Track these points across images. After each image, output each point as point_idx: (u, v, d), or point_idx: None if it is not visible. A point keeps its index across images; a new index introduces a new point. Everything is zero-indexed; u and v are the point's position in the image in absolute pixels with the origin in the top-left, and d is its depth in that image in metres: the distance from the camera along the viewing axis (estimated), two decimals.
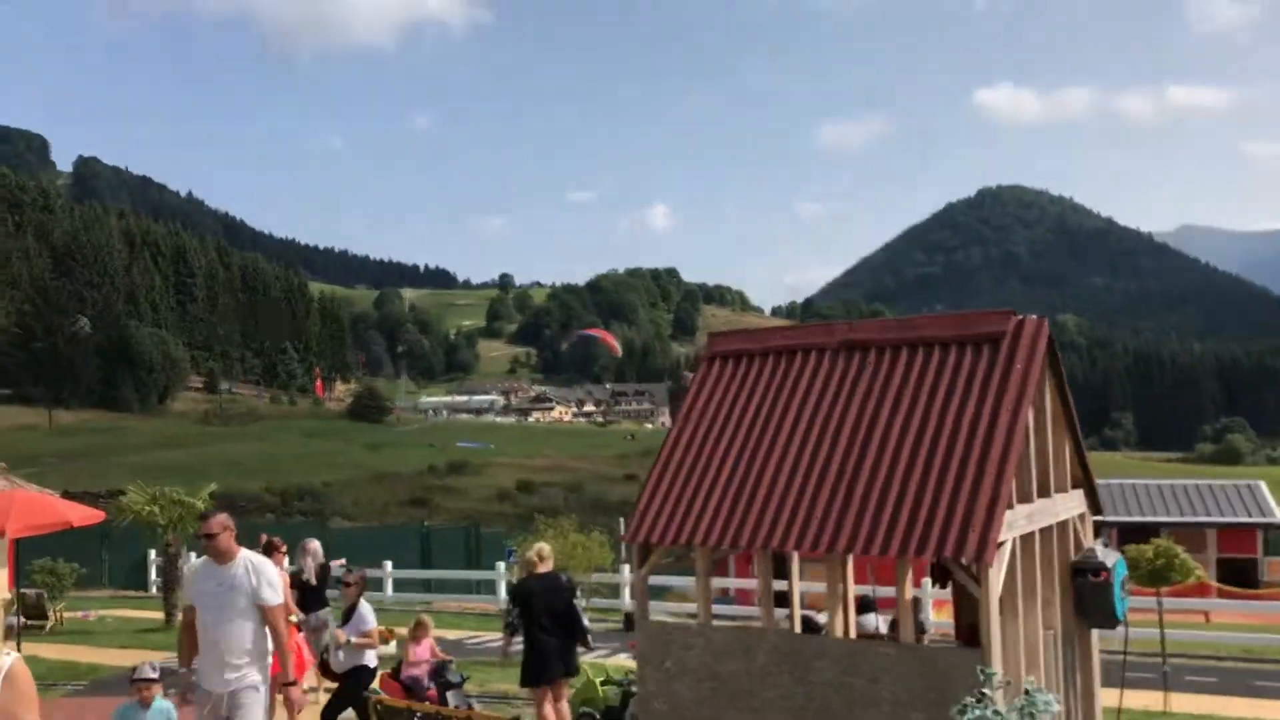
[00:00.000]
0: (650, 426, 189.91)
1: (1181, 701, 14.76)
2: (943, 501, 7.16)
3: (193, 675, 6.81)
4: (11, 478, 20.62)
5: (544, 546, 10.45)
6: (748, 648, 7.78)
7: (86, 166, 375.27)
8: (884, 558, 7.24)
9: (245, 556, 6.85)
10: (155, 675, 7.02)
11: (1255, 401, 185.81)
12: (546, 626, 9.93)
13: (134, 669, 6.97)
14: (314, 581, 14.22)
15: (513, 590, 10.48)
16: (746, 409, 8.59)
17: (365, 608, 10.79)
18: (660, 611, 23.82)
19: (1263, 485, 35.84)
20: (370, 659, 10.56)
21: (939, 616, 18.74)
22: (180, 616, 7.31)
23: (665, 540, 8.04)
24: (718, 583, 30.44)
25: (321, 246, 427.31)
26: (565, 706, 10.07)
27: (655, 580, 23.84)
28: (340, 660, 10.54)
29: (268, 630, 6.86)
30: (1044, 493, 8.07)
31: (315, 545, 14.76)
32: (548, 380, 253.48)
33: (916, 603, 14.45)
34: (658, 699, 8.10)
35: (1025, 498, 7.68)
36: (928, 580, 20.49)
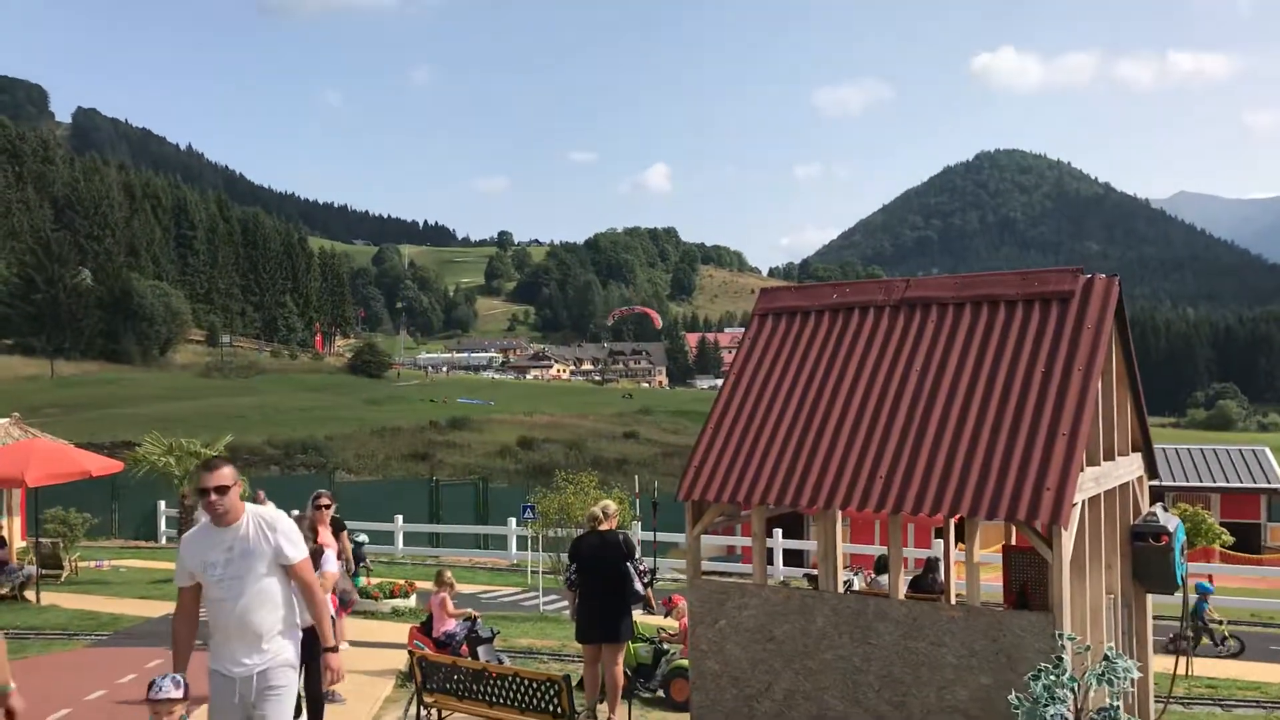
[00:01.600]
0: (647, 385, 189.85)
1: (1204, 666, 14.79)
2: (1014, 463, 7.01)
3: (191, 700, 5.53)
4: (26, 427, 20.46)
5: (610, 504, 10.21)
6: (806, 608, 7.67)
7: (86, 118, 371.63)
8: (951, 518, 7.10)
9: (251, 513, 5.77)
10: (179, 693, 5.41)
11: (1248, 368, 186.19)
12: (596, 585, 9.76)
13: (151, 685, 5.46)
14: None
15: (571, 547, 10.29)
16: (802, 367, 8.43)
17: (329, 552, 10.15)
18: (666, 569, 23.89)
19: (1268, 451, 35.91)
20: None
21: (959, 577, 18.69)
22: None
23: (722, 498, 7.90)
24: (726, 540, 30.49)
25: (321, 201, 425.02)
26: (618, 671, 9.87)
27: (662, 537, 23.88)
28: None
29: (294, 593, 5.84)
30: (1109, 456, 7.94)
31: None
32: (545, 338, 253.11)
33: (933, 563, 14.43)
34: (710, 658, 8.01)
35: (1092, 460, 7.55)
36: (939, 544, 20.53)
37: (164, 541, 29.31)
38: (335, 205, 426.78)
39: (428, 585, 14.15)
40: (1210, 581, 24.30)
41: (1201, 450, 36.67)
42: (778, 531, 23.49)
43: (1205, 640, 16.35)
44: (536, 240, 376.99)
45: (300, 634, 5.92)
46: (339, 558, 14.32)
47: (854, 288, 8.98)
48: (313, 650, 7.58)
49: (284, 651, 5.74)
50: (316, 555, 8.05)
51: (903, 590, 9.70)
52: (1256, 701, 13.14)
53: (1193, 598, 16.94)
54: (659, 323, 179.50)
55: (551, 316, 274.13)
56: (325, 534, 11.11)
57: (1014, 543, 8.77)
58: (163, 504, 29.86)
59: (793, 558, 24.91)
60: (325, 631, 5.92)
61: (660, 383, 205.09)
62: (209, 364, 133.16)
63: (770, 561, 23.30)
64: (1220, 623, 16.48)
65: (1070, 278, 7.86)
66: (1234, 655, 15.82)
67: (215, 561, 5.67)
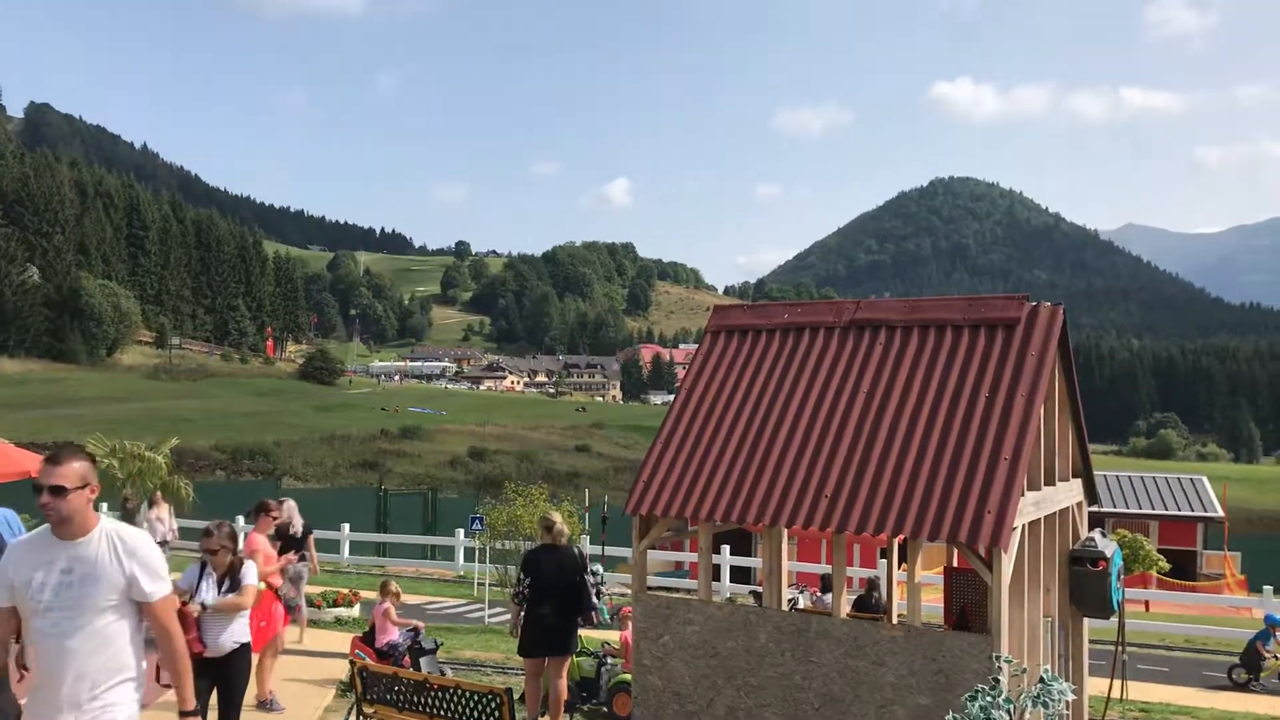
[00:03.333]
0: (601, 399, 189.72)
1: (1137, 690, 15.01)
2: (956, 485, 7.12)
3: None
4: None
5: (559, 517, 10.21)
6: (749, 625, 7.72)
7: (38, 113, 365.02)
8: (895, 538, 7.19)
9: (106, 529, 4.41)
10: None
11: (1189, 399, 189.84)
12: (551, 599, 9.72)
13: None
14: (300, 533, 14.37)
15: (523, 560, 10.23)
16: (753, 385, 8.51)
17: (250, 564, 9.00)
18: (615, 583, 23.88)
19: (1206, 480, 36.53)
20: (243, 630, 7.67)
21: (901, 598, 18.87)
22: None
23: (670, 513, 7.94)
24: (674, 556, 30.51)
25: (278, 205, 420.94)
26: (563, 684, 9.86)
27: (610, 551, 23.88)
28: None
29: (144, 638, 4.52)
30: (1049, 481, 8.08)
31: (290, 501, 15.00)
32: (500, 349, 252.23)
33: (875, 582, 14.58)
34: (653, 672, 8.03)
35: (1033, 485, 7.68)
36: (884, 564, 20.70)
37: None
38: (292, 210, 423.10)
39: (372, 595, 14.06)
40: (1147, 608, 24.79)
41: (1142, 478, 37.28)
42: (725, 548, 23.56)
43: (1263, 674, 16.35)
44: (494, 251, 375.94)
45: (143, 686, 4.57)
46: (301, 562, 14.38)
47: (805, 308, 9.07)
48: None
49: (117, 709, 4.34)
50: (237, 568, 7.49)
51: (846, 609, 9.79)
52: None
53: (1251, 632, 16.94)
54: (666, 356, 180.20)
55: (507, 328, 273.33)
56: (256, 541, 10.99)
57: (955, 564, 8.89)
58: (105, 506, 29.36)
59: (740, 574, 24.99)
60: (184, 694, 4.66)
61: (614, 397, 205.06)
62: (157, 366, 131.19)
63: (717, 578, 23.37)
64: (1273, 655, 16.49)
65: (1016, 305, 8.01)
66: None
67: (45, 584, 4.34)
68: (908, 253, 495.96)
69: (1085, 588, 8.20)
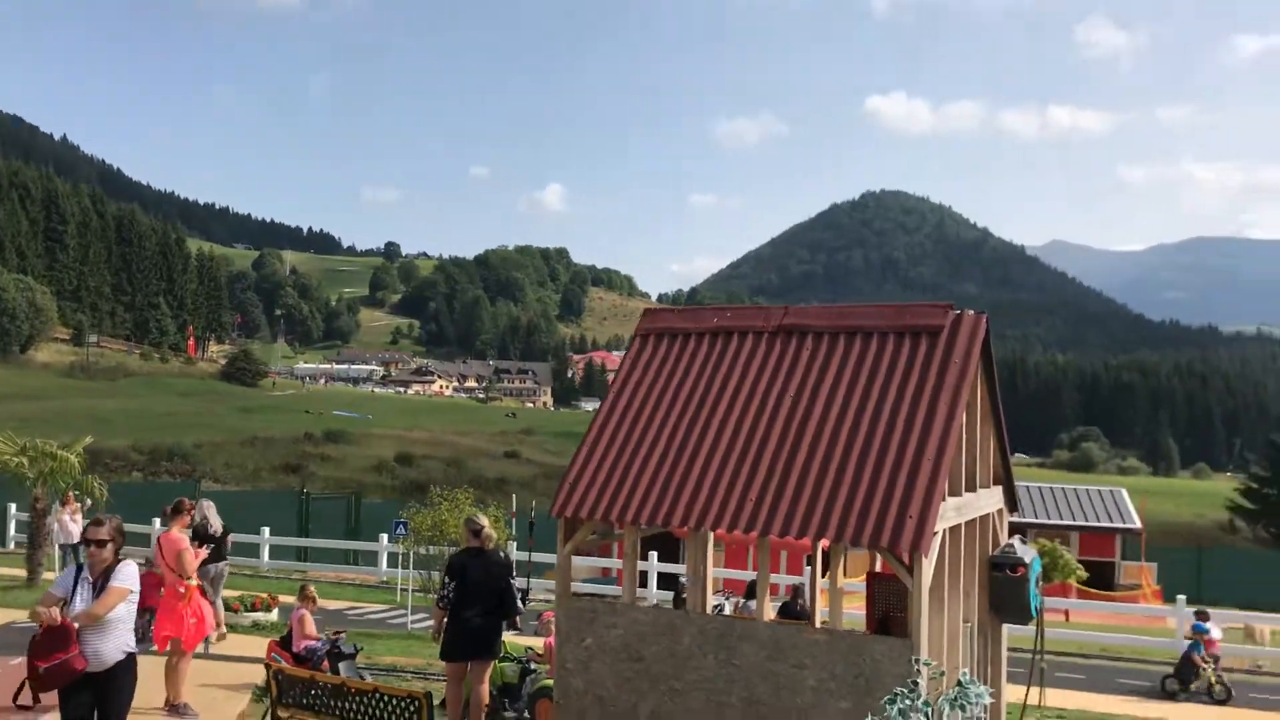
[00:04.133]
0: (532, 405, 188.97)
1: (1055, 698, 15.27)
2: (879, 490, 7.17)
3: None
4: None
5: (486, 521, 10.11)
6: (674, 629, 7.69)
7: None
8: (818, 542, 7.21)
9: None
10: None
11: (1110, 413, 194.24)
12: (476, 603, 9.61)
13: None
14: (218, 533, 14.16)
15: (448, 564, 10.09)
16: (680, 388, 8.49)
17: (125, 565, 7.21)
18: (540, 589, 23.73)
19: (1125, 493, 37.39)
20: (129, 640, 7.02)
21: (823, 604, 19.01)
22: None
23: (595, 516, 7.88)
24: (601, 562, 30.43)
25: (202, 202, 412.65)
26: (485, 689, 9.75)
27: (537, 557, 23.73)
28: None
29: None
30: (971, 487, 8.17)
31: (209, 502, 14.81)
32: (429, 353, 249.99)
33: (799, 589, 14.66)
34: (576, 676, 7.95)
35: (955, 491, 7.76)
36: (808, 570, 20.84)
37: (12, 546, 27.91)
38: (216, 207, 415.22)
39: (292, 599, 13.80)
40: (1067, 617, 25.26)
41: (1064, 489, 38.03)
42: (653, 554, 23.53)
43: (1194, 684, 16.70)
44: (425, 253, 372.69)
45: None
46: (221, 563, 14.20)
47: (735, 313, 9.08)
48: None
49: None
50: (112, 569, 6.85)
51: (771, 615, 9.81)
52: None
53: (1187, 642, 17.12)
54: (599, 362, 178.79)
55: (437, 331, 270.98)
56: (178, 539, 10.73)
57: (879, 570, 8.94)
58: (13, 507, 28.46)
59: (668, 581, 24.97)
60: None
61: (545, 404, 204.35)
62: (74, 364, 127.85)
63: (644, 584, 23.33)
64: (1206, 667, 16.83)
65: (940, 313, 8.09)
66: (1222, 702, 16.20)
67: None
68: (839, 264, 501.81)
69: (1004, 593, 8.30)
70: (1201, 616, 17.98)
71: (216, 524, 14.28)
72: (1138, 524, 34.99)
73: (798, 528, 7.20)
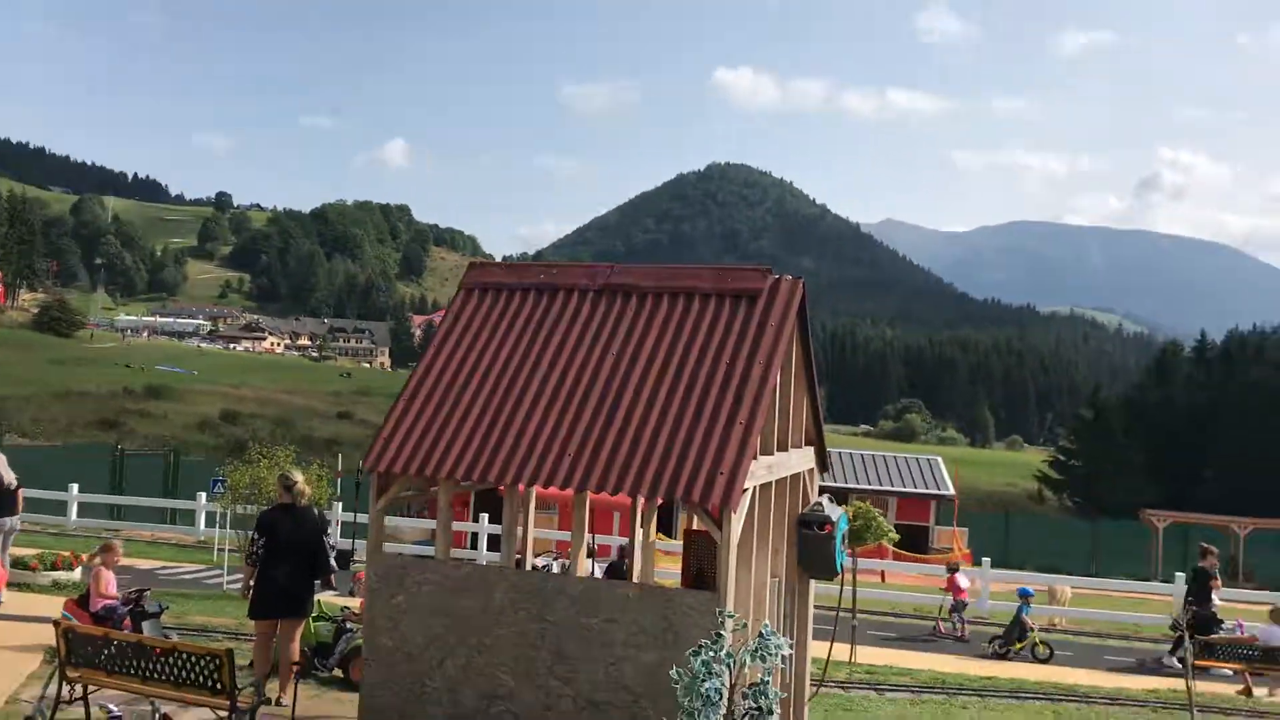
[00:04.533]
0: (368, 366, 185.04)
1: (865, 654, 15.93)
2: (693, 447, 7.27)
3: None
4: None
5: (300, 477, 9.85)
6: (486, 584, 7.65)
7: None
8: (632, 498, 7.28)
9: None
10: None
11: (933, 386, 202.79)
12: (287, 560, 9.38)
13: None
14: (13, 485, 13.39)
15: (258, 520, 9.79)
16: (503, 344, 8.41)
17: None
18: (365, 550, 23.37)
19: (940, 461, 39.16)
20: None
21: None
22: None
23: (409, 470, 7.75)
24: (430, 524, 30.12)
25: (15, 140, 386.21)
26: (295, 648, 9.54)
27: (363, 518, 23.31)
28: None
29: None
30: (783, 447, 8.38)
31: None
32: (261, 309, 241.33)
33: (626, 549, 14.83)
34: (385, 634, 7.83)
35: (767, 450, 7.93)
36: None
37: None
38: (31, 146, 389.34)
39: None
40: (883, 578, 26.37)
41: (885, 457, 39.56)
42: (484, 515, 23.41)
43: (1018, 644, 17.52)
44: (258, 205, 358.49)
45: None
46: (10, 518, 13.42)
47: (561, 270, 9.05)
48: None
49: None
50: None
51: (590, 570, 9.87)
52: (907, 686, 14.30)
53: (1015, 604, 18.11)
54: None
55: (269, 286, 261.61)
56: None
57: (695, 527, 9.10)
58: None
59: (499, 544, 24.89)
60: None
61: (382, 364, 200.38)
62: None
63: (474, 546, 23.21)
64: (1034, 629, 17.81)
65: (760, 277, 8.25)
66: (1044, 660, 17.08)
67: None
68: (684, 234, 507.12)
69: (812, 550, 8.57)
70: (953, 570, 19.42)
71: (9, 477, 13.47)
72: (951, 491, 36.70)
73: (614, 483, 7.25)
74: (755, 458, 7.44)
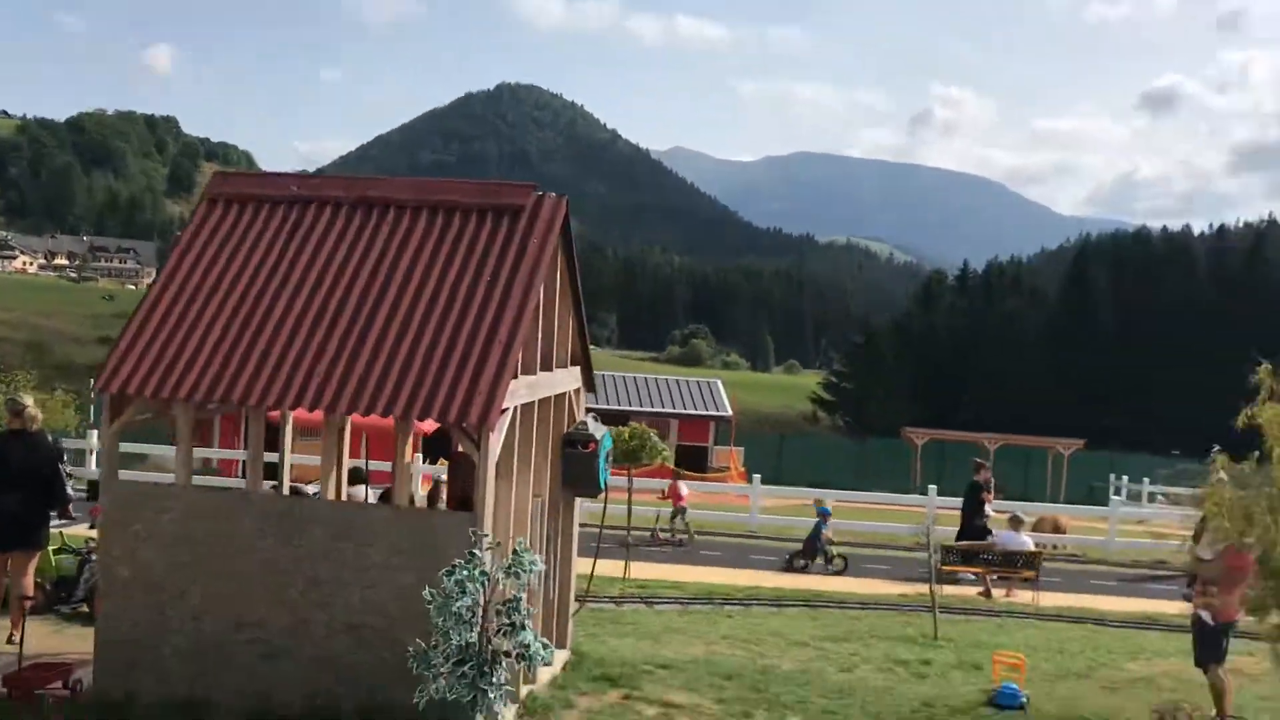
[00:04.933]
0: (133, 287, 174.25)
1: (638, 569, 16.32)
2: (451, 366, 7.11)
3: None
4: None
5: (30, 400, 9.13)
6: (232, 511, 7.30)
7: None
8: (386, 419, 7.07)
9: None
10: None
11: (718, 313, 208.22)
12: (16, 489, 8.76)
13: None
14: None
15: None
16: (250, 259, 7.95)
17: None
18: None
19: (719, 384, 40.35)
20: None
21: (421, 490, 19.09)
22: None
23: (145, 391, 7.26)
24: (199, 453, 28.79)
25: None
26: (28, 582, 8.95)
27: (129, 447, 22.02)
28: None
29: None
30: (546, 366, 8.31)
31: None
32: (10, 225, 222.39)
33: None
34: (122, 564, 7.38)
35: (529, 369, 7.84)
36: (419, 456, 20.84)
37: None
38: None
39: None
40: (678, 499, 27.05)
41: (667, 380, 40.44)
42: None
43: (819, 559, 18.09)
44: (5, 112, 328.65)
45: None
46: None
47: (315, 182, 8.62)
48: None
49: None
50: None
51: (352, 495, 9.59)
52: (676, 598, 14.76)
53: (814, 520, 18.70)
54: None
55: (20, 201, 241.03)
56: None
57: (461, 449, 8.97)
58: None
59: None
60: None
61: (148, 285, 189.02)
62: None
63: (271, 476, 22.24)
64: (833, 543, 18.40)
65: (523, 192, 8.09)
66: (839, 573, 17.66)
67: None
68: (473, 155, 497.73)
69: (576, 468, 8.59)
70: (678, 479, 20.34)
71: None
72: (729, 412, 37.90)
73: (366, 404, 7.01)
74: (516, 376, 7.34)
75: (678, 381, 40.34)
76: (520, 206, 7.96)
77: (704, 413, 37.59)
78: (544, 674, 8.39)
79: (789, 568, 17.98)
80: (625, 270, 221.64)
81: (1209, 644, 9.26)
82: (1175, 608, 14.67)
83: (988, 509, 18.67)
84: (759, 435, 52.95)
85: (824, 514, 18.70)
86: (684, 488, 20.78)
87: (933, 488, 23.44)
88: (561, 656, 9.01)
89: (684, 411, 37.32)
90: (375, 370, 7.13)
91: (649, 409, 36.62)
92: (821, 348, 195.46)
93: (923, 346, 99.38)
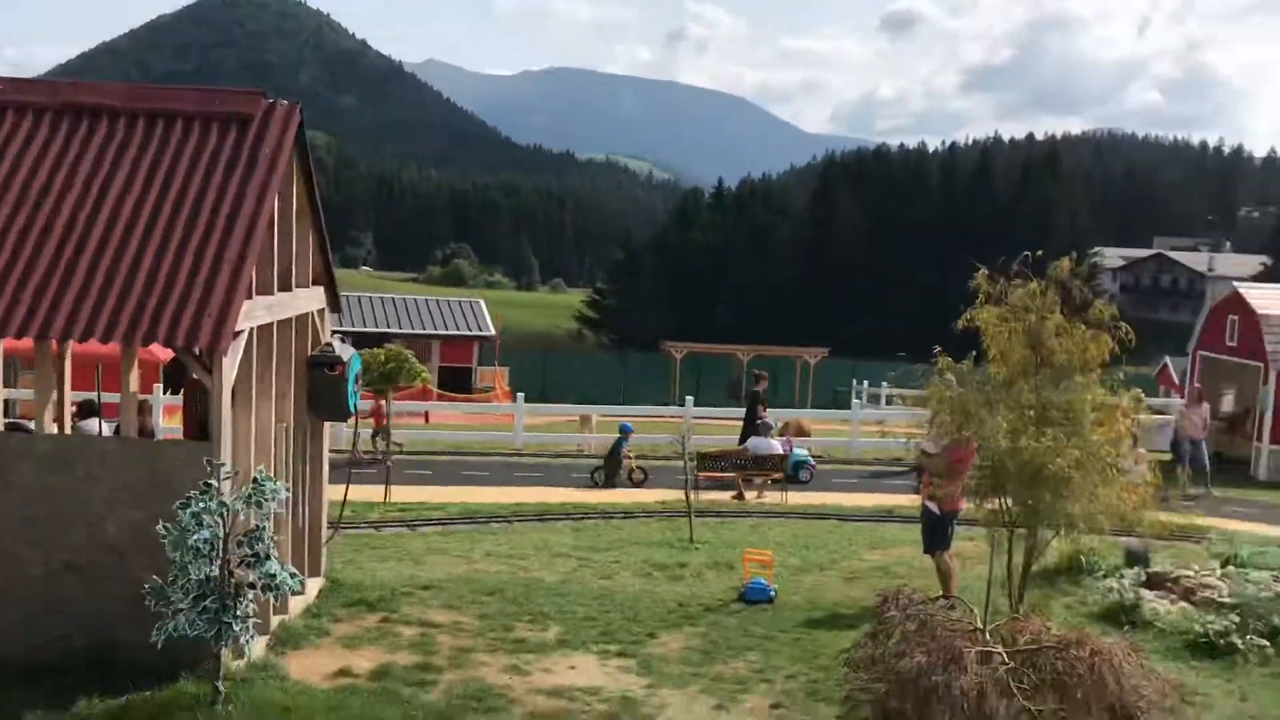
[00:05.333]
0: None
1: (400, 492, 16.05)
2: (177, 287, 6.65)
3: None
4: None
5: None
6: None
7: None
8: (107, 344, 6.56)
9: None
10: None
11: (480, 231, 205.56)
12: None
13: None
14: None
15: None
16: None
17: None
18: None
19: (482, 303, 39.97)
20: None
21: (170, 422, 18.04)
22: None
23: None
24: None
25: None
26: None
27: None
28: None
29: None
30: (285, 285, 7.91)
31: None
32: None
33: (145, 407, 13.73)
34: None
35: (266, 289, 7.45)
36: (159, 387, 19.63)
37: None
38: None
39: None
40: (427, 419, 26.68)
41: (427, 300, 39.68)
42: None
43: (622, 474, 18.00)
44: None
45: None
46: None
47: (14, 86, 7.79)
48: None
49: None
50: None
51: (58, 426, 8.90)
52: (439, 519, 14.62)
53: (615, 436, 18.55)
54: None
55: None
56: None
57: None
58: None
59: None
60: None
61: None
62: None
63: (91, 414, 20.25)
64: (631, 458, 18.23)
65: (252, 100, 7.60)
66: (639, 485, 17.55)
67: None
68: (211, 65, 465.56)
69: (323, 392, 8.28)
70: (378, 397, 19.91)
71: None
72: (493, 332, 37.64)
73: (82, 330, 6.47)
74: (251, 297, 6.95)
75: (438, 302, 39.67)
76: (249, 115, 7.47)
77: (467, 333, 37.17)
78: (297, 603, 8.15)
79: (592, 483, 18.17)
80: (381, 186, 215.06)
81: (936, 532, 9.99)
82: (909, 500, 15.76)
83: (767, 418, 19.41)
84: (524, 355, 52.92)
85: (625, 430, 18.95)
86: (387, 406, 19.47)
87: (690, 398, 24.12)
88: (316, 584, 8.78)
89: (446, 332, 36.78)
90: (91, 293, 6.58)
91: (408, 330, 35.88)
92: (586, 265, 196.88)
93: (681, 263, 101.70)
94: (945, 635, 4.23)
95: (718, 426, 24.23)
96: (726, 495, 17.11)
